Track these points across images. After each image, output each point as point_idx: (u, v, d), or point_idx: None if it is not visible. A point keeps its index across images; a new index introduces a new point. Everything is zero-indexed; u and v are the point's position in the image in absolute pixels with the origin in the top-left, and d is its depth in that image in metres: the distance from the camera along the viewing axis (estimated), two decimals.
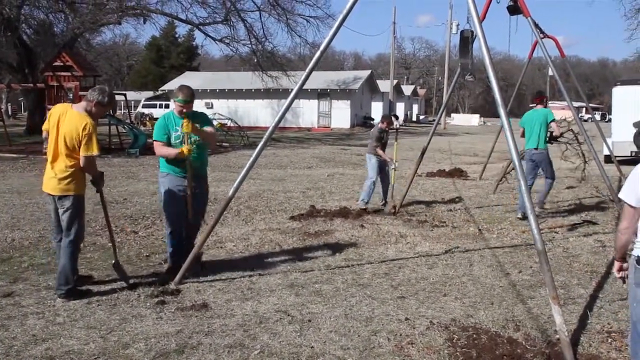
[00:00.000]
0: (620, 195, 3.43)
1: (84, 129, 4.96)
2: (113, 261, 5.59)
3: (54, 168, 5.10)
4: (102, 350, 4.14)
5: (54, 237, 5.45)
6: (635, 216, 3.32)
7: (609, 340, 4.37)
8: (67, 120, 5.05)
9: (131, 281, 5.59)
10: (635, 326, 3.40)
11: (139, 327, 4.57)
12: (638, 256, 3.30)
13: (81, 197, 5.23)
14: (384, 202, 9.92)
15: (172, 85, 45.21)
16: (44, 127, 5.26)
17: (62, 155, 5.05)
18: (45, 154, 5.33)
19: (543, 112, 9.13)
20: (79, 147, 5.01)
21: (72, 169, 5.08)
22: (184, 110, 5.75)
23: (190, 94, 5.76)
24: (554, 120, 9.15)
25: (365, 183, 9.85)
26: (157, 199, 8.01)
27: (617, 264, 3.54)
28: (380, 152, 9.68)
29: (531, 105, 9.86)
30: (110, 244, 5.80)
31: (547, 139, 9.08)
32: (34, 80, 25.20)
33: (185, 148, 5.68)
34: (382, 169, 9.82)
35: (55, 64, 20.83)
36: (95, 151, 5.05)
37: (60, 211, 5.16)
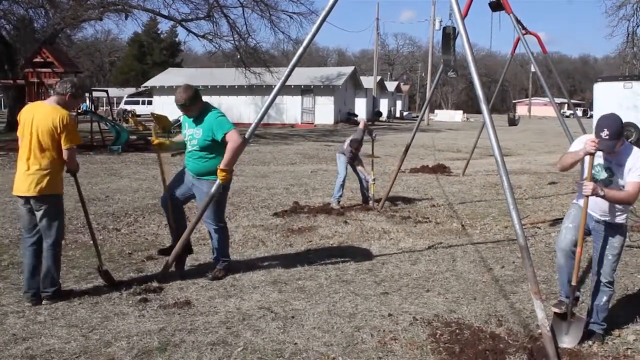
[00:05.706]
0: None
1: (61, 121, 4.78)
2: (98, 266, 5.44)
3: (29, 168, 4.81)
4: (84, 348, 4.10)
5: (25, 237, 5.03)
6: None
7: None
8: (41, 116, 4.83)
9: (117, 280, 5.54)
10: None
11: (121, 325, 4.53)
12: None
13: (60, 197, 5.01)
14: (372, 201, 9.74)
15: (155, 81, 44.91)
16: (18, 133, 4.97)
17: (38, 154, 4.81)
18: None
19: None
20: (58, 142, 4.81)
21: (49, 169, 4.83)
22: (185, 114, 5.69)
23: (177, 98, 5.46)
24: None
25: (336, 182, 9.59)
26: None
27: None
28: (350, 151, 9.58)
29: None
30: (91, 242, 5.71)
31: None
32: (14, 77, 24.86)
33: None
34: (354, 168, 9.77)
35: (36, 60, 20.60)
36: (77, 142, 4.92)
37: (38, 213, 4.87)
